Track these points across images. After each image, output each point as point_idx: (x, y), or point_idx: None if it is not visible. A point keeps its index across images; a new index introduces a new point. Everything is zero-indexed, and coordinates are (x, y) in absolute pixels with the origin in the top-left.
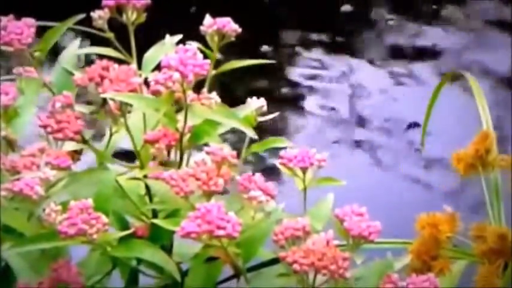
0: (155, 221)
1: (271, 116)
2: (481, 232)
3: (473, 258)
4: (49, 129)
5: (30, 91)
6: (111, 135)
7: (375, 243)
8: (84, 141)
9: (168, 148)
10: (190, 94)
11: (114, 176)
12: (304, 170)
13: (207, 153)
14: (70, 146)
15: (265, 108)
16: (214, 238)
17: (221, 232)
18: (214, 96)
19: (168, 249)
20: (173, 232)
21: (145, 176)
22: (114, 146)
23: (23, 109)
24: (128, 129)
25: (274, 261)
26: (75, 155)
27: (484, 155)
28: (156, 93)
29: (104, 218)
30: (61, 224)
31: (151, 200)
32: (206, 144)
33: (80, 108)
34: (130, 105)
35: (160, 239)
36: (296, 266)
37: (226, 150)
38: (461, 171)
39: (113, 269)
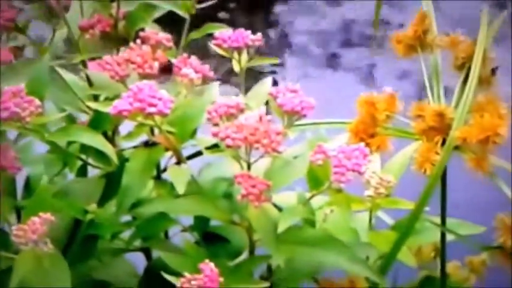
0: (90, 104)
1: (210, 2)
2: (420, 111)
3: (412, 136)
4: None
5: None
6: (54, 31)
7: (313, 124)
8: (19, 30)
9: (104, 35)
10: None
11: (49, 63)
12: (239, 50)
13: (142, 37)
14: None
15: None
16: (147, 116)
17: (152, 109)
18: None
19: (110, 139)
20: (114, 121)
21: (84, 65)
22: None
23: None
24: (65, 19)
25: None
26: (18, 51)
27: (422, 36)
28: None
29: (37, 101)
30: None
31: None
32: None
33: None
34: None
35: (101, 125)
36: (228, 141)
37: (161, 34)
38: (401, 53)
39: (64, 167)
